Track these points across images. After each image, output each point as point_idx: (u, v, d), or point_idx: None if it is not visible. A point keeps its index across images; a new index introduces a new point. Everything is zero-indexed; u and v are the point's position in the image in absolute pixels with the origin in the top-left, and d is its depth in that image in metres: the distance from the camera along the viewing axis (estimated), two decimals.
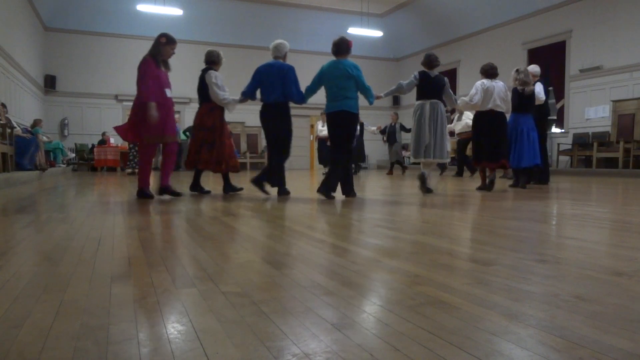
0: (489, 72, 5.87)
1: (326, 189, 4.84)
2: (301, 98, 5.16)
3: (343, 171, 5.00)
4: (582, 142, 11.75)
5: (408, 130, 12.91)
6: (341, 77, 4.84)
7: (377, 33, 16.46)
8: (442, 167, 11.82)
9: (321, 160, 12.17)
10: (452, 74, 15.57)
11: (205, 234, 2.61)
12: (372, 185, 7.68)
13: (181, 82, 16.69)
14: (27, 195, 5.46)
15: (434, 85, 5.49)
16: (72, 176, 11.00)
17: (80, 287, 1.53)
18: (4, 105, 8.64)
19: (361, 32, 15.89)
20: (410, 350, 1.02)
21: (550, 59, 13.09)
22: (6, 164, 7.91)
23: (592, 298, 1.40)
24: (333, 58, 4.97)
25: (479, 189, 6.10)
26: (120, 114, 16.30)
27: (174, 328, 1.16)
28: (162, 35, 4.89)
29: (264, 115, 5.23)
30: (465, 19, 15.32)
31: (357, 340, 1.08)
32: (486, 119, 5.88)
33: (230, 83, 19.73)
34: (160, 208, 4.10)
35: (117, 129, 4.93)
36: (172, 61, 5.31)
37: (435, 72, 5.59)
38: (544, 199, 5.00)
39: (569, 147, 11.94)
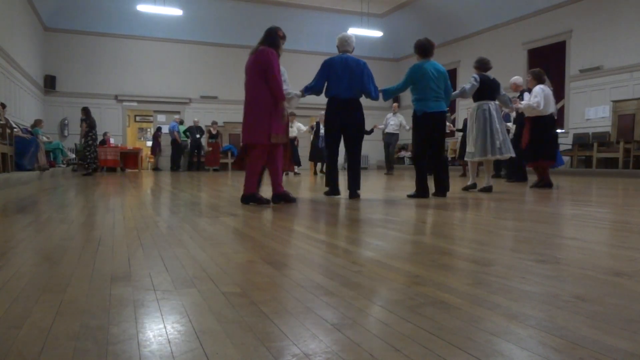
0: (486, 66, 5.93)
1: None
2: (377, 95, 4.97)
3: (445, 170, 5.22)
4: (582, 142, 11.75)
5: (369, 133, 12.84)
6: (440, 78, 5.06)
7: (377, 33, 16.46)
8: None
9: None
10: (452, 74, 15.56)
11: (205, 234, 2.61)
12: (371, 185, 7.67)
13: (181, 82, 16.78)
14: (27, 195, 5.46)
15: (494, 86, 5.80)
16: (72, 176, 10.99)
17: (80, 287, 1.53)
18: (3, 105, 8.64)
19: (361, 32, 15.88)
20: (410, 351, 1.02)
21: (550, 59, 13.09)
22: (6, 164, 7.91)
23: (592, 298, 1.40)
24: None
25: (535, 186, 6.53)
26: (120, 114, 16.32)
27: (174, 328, 1.16)
28: (278, 28, 4.42)
29: (336, 110, 4.84)
30: (465, 19, 15.33)
31: (357, 340, 1.08)
32: (548, 121, 6.32)
33: (229, 83, 19.63)
34: (160, 208, 4.10)
35: (256, 134, 4.25)
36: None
37: (491, 74, 5.89)
38: (543, 199, 5.00)
39: (569, 147, 11.94)
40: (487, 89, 5.74)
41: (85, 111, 11.86)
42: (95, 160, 12.01)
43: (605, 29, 11.58)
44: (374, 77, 4.92)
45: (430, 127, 5.08)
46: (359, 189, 4.96)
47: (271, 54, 4.20)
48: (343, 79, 4.78)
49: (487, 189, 5.83)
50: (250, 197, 4.30)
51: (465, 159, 6.09)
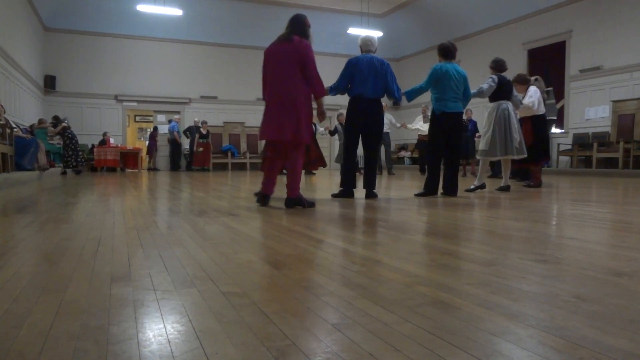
0: (502, 67, 6.00)
1: (430, 190, 5.19)
2: (400, 97, 4.99)
3: (455, 170, 5.31)
4: (582, 142, 11.75)
5: None
6: (461, 80, 5.19)
7: (377, 33, 16.43)
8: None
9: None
10: None
11: (205, 234, 2.61)
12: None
13: (181, 82, 16.78)
14: (27, 195, 5.46)
15: (509, 87, 5.94)
16: (72, 176, 10.99)
17: (80, 287, 1.53)
18: (1, 106, 8.64)
19: (361, 32, 15.85)
20: (410, 351, 1.02)
21: (550, 59, 13.09)
22: (6, 164, 7.91)
23: (592, 298, 1.40)
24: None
25: (532, 186, 6.63)
26: (120, 114, 16.32)
27: (174, 328, 1.16)
28: (305, 16, 4.08)
29: (360, 110, 4.83)
30: (465, 19, 15.33)
31: (357, 340, 1.08)
32: (543, 121, 6.56)
33: (229, 83, 19.53)
34: (159, 208, 4.10)
35: (303, 134, 3.96)
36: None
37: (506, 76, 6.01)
38: (544, 199, 5.00)
39: (569, 147, 11.95)
40: (504, 89, 5.86)
41: (56, 118, 12.14)
42: (77, 158, 11.86)
43: (605, 29, 11.58)
44: (396, 78, 4.98)
45: (447, 127, 5.19)
46: (374, 188, 5.00)
47: (310, 47, 3.94)
48: (368, 79, 4.80)
49: (505, 189, 5.94)
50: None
51: (478, 157, 6.14)
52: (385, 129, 11.92)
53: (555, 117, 8.17)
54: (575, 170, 11.33)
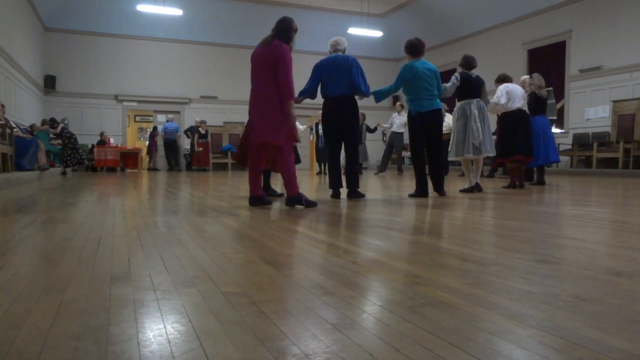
0: (470, 64, 5.88)
1: (423, 190, 5.08)
2: (368, 91, 4.89)
3: (440, 169, 5.25)
4: (582, 142, 11.74)
5: (372, 131, 12.83)
6: (432, 76, 5.10)
7: (377, 33, 16.46)
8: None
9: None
10: (452, 74, 15.56)
11: (205, 234, 2.61)
12: (371, 185, 7.67)
13: (181, 82, 16.78)
14: (27, 195, 5.46)
15: (477, 85, 5.76)
16: (72, 176, 10.99)
17: (80, 287, 1.53)
18: (2, 105, 8.64)
19: (361, 32, 15.89)
20: (410, 351, 1.02)
21: (550, 59, 13.09)
22: (6, 164, 7.91)
23: (592, 298, 1.40)
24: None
25: (508, 187, 6.46)
26: (120, 114, 16.32)
27: (174, 328, 1.16)
28: (292, 20, 4.14)
29: (330, 111, 4.87)
30: (465, 19, 15.32)
31: (357, 340, 1.08)
32: (513, 117, 6.30)
33: (229, 83, 19.51)
34: (159, 208, 4.10)
35: (276, 138, 4.04)
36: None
37: (475, 72, 5.83)
38: (544, 199, 5.00)
39: (569, 147, 11.94)
40: (468, 88, 5.71)
41: (52, 120, 12.34)
42: (77, 157, 11.85)
43: (605, 29, 11.58)
44: (364, 73, 4.88)
45: (425, 127, 5.10)
46: (358, 187, 4.96)
47: (286, 51, 3.96)
48: (332, 78, 4.80)
49: (468, 190, 5.75)
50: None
51: (448, 158, 6.10)
52: (401, 129, 11.99)
53: (555, 117, 8.18)
54: (575, 170, 11.33)
